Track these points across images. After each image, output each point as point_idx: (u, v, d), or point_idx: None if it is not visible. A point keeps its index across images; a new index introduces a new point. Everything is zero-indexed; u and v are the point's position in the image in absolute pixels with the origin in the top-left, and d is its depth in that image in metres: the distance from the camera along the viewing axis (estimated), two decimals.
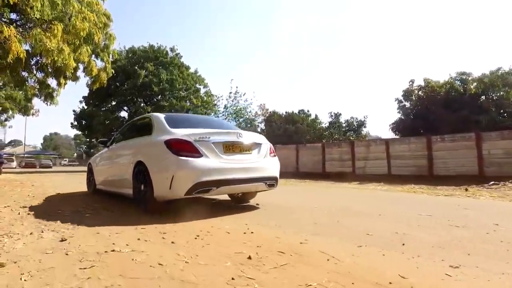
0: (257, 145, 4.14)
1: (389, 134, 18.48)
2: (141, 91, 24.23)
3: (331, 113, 21.86)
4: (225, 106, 24.83)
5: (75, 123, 27.31)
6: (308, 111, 22.47)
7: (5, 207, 4.64)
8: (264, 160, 4.12)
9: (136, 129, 5.00)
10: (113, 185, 5.15)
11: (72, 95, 22.47)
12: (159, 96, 24.66)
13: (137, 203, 4.15)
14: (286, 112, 22.08)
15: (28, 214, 4.02)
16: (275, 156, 4.42)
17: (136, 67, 24.36)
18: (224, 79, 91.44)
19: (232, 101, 24.69)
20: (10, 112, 22.70)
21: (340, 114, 21.51)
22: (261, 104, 27.56)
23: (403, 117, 16.91)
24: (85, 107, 26.96)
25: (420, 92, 15.94)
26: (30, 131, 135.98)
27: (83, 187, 7.40)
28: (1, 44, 6.94)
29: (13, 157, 42.17)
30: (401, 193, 7.27)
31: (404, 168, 12.88)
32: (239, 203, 4.81)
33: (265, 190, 4.31)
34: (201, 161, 3.51)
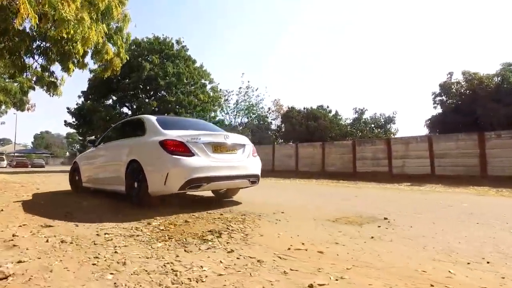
0: (242, 146, 4.48)
1: (423, 131, 17.23)
2: (146, 85, 22.56)
3: (355, 108, 20.57)
4: (236, 101, 23.29)
5: (73, 119, 25.52)
6: (327, 107, 21.08)
7: (20, 226, 3.15)
8: (247, 160, 4.45)
9: (127, 129, 5.28)
10: (104, 182, 5.24)
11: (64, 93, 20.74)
12: (164, 91, 23.00)
13: (129, 198, 4.33)
14: (304, 108, 20.63)
15: (62, 241, 2.55)
16: (256, 156, 4.76)
17: (140, 60, 22.70)
18: (232, 74, 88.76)
19: (243, 96, 23.19)
20: (3, 107, 20.87)
21: (366, 110, 20.25)
22: (275, 100, 26.16)
23: (442, 112, 15.58)
24: (84, 102, 25.18)
25: (460, 86, 14.65)
26: (19, 130, 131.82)
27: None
28: (6, 10, 5.43)
29: (3, 156, 40.22)
30: (492, 198, 5.94)
31: (450, 168, 11.63)
32: (222, 199, 5.13)
33: (248, 187, 4.62)
34: (193, 160, 3.82)
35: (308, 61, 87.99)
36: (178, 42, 24.65)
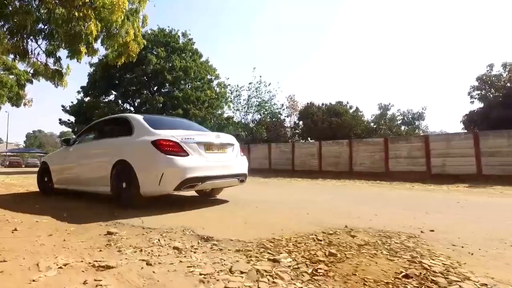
0: (231, 145, 4.50)
1: (457, 127, 16.16)
2: (151, 80, 21.16)
3: (380, 104, 19.41)
4: (248, 96, 21.91)
5: (71, 116, 24.07)
6: (347, 102, 19.80)
7: (61, 267, 1.88)
8: (236, 159, 4.50)
9: (109, 129, 5.11)
10: (83, 183, 4.97)
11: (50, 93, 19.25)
12: (170, 86, 21.59)
13: (116, 200, 4.16)
14: (323, 104, 19.36)
15: None
16: (243, 155, 4.78)
17: (144, 53, 21.33)
18: (241, 70, 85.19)
19: (255, 91, 21.82)
20: None
21: (392, 105, 19.02)
22: (289, 96, 24.81)
23: (485, 107, 14.42)
24: (83, 98, 23.79)
25: (502, 78, 13.54)
26: (10, 128, 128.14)
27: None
28: None
29: None
30: None
31: (501, 167, 10.54)
32: (207, 197, 5.02)
33: (236, 185, 4.57)
34: (188, 160, 3.80)
35: (324, 54, 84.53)
36: (184, 34, 23.28)
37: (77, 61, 8.61)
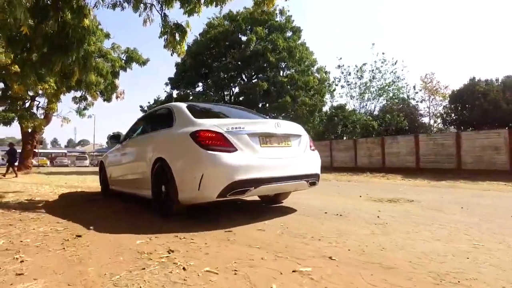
0: (297, 136, 3.52)
1: None
2: (249, 64, 18.05)
3: None
4: (373, 77, 17.73)
5: None
6: None
7: None
8: (304, 155, 3.49)
9: (154, 121, 4.41)
10: (129, 185, 4.43)
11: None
12: (271, 70, 18.32)
13: (156, 207, 3.47)
14: (487, 79, 14.05)
15: None
16: (315, 150, 3.74)
17: (239, 35, 18.45)
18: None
19: (378, 72, 17.53)
20: (89, 99, 17.96)
21: None
22: (425, 75, 19.93)
23: None
24: (171, 91, 21.93)
25: None
26: (89, 131, 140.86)
27: None
28: None
29: (86, 155, 43.51)
30: None
31: None
32: (270, 204, 4.10)
33: (305, 189, 3.66)
34: (236, 156, 2.90)
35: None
36: (281, 12, 19.82)
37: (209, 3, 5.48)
